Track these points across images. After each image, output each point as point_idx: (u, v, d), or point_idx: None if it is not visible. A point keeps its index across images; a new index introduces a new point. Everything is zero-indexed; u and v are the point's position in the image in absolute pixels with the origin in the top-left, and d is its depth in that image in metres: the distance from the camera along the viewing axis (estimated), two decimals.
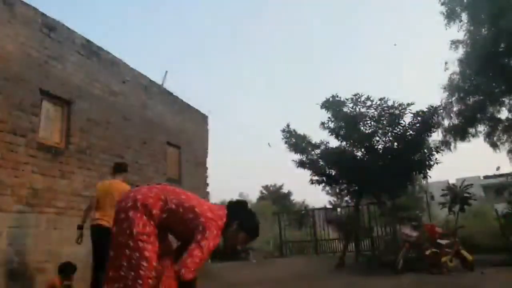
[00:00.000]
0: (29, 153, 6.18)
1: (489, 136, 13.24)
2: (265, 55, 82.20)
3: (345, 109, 10.71)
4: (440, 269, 8.12)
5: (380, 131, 10.70)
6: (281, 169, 71.10)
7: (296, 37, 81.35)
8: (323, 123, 11.04)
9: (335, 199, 31.67)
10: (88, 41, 7.80)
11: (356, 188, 11.78)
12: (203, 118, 12.08)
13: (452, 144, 13.21)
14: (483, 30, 11.21)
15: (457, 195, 9.99)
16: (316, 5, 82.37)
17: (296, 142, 11.37)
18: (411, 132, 10.54)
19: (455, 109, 12.92)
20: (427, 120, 10.45)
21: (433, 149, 10.97)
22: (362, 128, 10.68)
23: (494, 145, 13.36)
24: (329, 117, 10.93)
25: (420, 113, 10.41)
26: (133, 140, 8.69)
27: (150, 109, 9.51)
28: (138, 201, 2.55)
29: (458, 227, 9.37)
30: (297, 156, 11.56)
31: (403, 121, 10.52)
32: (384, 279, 7.89)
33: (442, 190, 10.54)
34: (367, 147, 10.81)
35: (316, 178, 11.61)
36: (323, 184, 12.04)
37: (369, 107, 10.55)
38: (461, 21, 11.80)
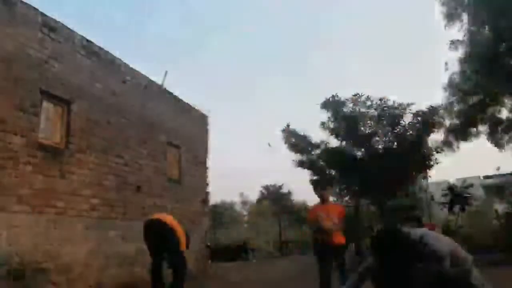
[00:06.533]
0: (29, 153, 6.17)
1: (492, 136, 13.16)
2: (265, 54, 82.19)
3: (345, 109, 10.73)
4: None
5: (380, 131, 10.72)
6: (281, 169, 71.04)
7: (296, 37, 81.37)
8: (323, 123, 11.07)
9: (335, 199, 31.63)
10: (88, 41, 7.79)
11: (356, 188, 11.80)
12: (203, 118, 12.06)
13: (455, 144, 13.15)
14: (484, 30, 11.21)
15: (458, 195, 10.00)
16: (316, 5, 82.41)
17: (296, 142, 11.39)
18: (411, 132, 10.56)
19: (456, 109, 12.90)
20: (427, 120, 10.47)
21: (433, 150, 10.98)
22: (362, 128, 10.69)
23: (498, 145, 13.26)
24: (329, 117, 10.96)
25: (420, 113, 10.42)
26: (133, 140, 8.68)
27: (150, 109, 9.50)
28: None
29: (458, 227, 9.37)
30: (297, 156, 11.59)
31: (403, 121, 10.54)
32: None
33: (442, 190, 10.54)
34: (367, 147, 10.82)
35: (316, 178, 11.62)
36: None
37: (369, 107, 10.58)
38: (461, 21, 11.80)
